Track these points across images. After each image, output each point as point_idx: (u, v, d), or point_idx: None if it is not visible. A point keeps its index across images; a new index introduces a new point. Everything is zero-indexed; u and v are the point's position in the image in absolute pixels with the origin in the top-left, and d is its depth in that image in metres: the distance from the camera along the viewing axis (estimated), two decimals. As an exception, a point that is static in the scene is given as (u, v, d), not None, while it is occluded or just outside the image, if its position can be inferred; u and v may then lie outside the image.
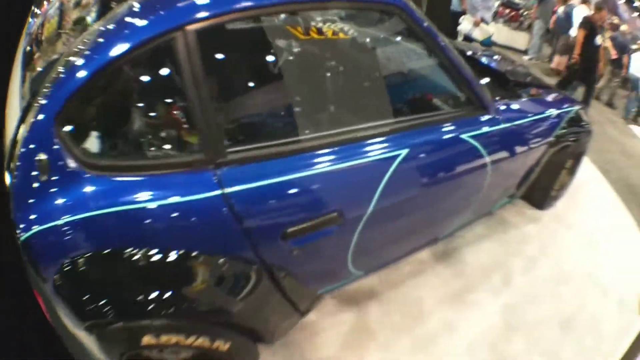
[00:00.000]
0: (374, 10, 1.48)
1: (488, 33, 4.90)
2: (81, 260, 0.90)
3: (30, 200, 0.90)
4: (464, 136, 1.50)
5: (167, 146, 1.06)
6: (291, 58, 1.54)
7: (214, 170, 1.02)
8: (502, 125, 1.66)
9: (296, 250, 1.17)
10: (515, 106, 1.86)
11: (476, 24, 4.75)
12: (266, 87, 1.38)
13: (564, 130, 2.13)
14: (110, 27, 1.04)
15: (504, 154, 1.73)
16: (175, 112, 1.08)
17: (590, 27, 4.24)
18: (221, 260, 1.04)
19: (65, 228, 0.89)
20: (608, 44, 5.63)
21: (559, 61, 6.15)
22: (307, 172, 1.14)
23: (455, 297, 1.91)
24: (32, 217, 0.89)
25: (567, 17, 5.84)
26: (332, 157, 1.19)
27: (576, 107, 2.27)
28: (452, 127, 1.49)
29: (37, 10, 1.67)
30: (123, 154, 1.03)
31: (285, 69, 1.48)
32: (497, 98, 1.77)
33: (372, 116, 1.34)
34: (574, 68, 4.42)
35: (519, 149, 1.82)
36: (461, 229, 2.01)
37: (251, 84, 1.37)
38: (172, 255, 0.96)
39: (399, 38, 1.80)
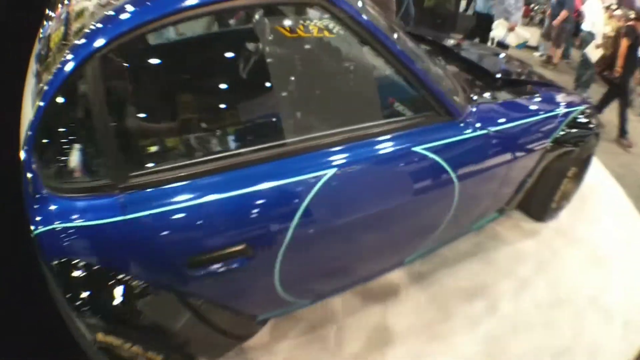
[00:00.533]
0: (297, 5, 1.31)
1: (524, 38, 4.50)
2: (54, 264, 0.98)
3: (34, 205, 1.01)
4: (417, 149, 1.29)
5: (80, 171, 1.05)
6: (197, 72, 1.42)
7: (118, 196, 0.99)
8: (477, 133, 1.44)
9: (208, 279, 1.08)
10: (499, 109, 1.64)
11: (511, 29, 4.35)
12: (172, 108, 1.27)
13: (563, 134, 1.88)
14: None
15: (479, 165, 1.51)
16: (89, 137, 1.04)
17: (635, 36, 3.81)
18: (136, 283, 1.03)
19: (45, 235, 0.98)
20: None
21: (553, 51, 5.94)
22: (210, 198, 1.03)
23: (427, 326, 1.70)
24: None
25: (559, 4, 5.59)
26: (238, 180, 1.06)
27: (581, 107, 2.02)
28: (404, 139, 1.28)
29: (51, 13, 1.59)
30: (58, 176, 1.05)
31: (190, 86, 1.38)
32: (475, 100, 1.56)
33: (300, 130, 1.19)
34: (615, 81, 4.04)
35: (501, 158, 1.59)
36: (437, 249, 1.81)
37: (156, 106, 1.28)
38: (94, 271, 1.00)
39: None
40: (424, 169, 1.32)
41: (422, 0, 4.76)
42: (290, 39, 1.30)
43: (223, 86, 1.44)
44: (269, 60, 1.27)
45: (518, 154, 1.67)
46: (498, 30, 4.41)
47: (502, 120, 1.58)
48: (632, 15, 4.05)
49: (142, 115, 1.16)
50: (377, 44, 1.21)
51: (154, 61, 1.37)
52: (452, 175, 1.38)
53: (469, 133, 1.41)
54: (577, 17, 5.69)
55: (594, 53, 4.45)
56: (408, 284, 1.90)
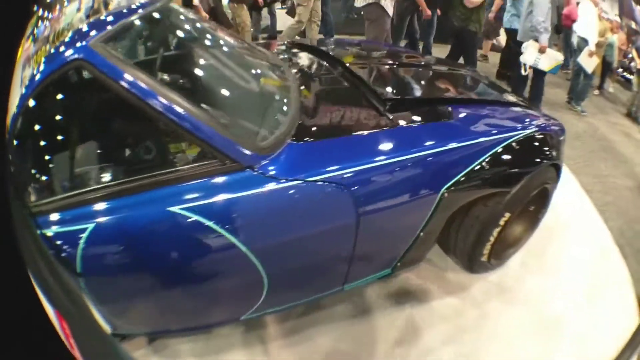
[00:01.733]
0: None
1: (557, 60, 3.68)
2: None
3: None
4: (174, 208, 1.03)
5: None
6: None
7: None
8: (281, 185, 1.10)
9: None
10: (336, 147, 1.26)
11: (542, 51, 3.59)
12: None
13: (476, 173, 1.41)
14: None
15: (289, 229, 1.16)
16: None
17: None
18: None
19: None
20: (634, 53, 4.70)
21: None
22: None
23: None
24: None
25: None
26: None
27: (526, 132, 1.59)
28: (160, 195, 1.06)
29: (46, 14, 1.44)
30: None
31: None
32: (294, 140, 1.21)
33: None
34: None
35: (340, 215, 1.20)
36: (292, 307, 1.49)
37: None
38: None
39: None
40: (186, 230, 1.07)
41: (448, 19, 4.32)
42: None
43: None
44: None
45: (369, 207, 1.22)
46: (528, 54, 3.65)
47: (335, 164, 1.18)
48: (634, 26, 3.63)
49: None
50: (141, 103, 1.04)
51: None
52: (234, 239, 1.08)
53: (268, 186, 1.10)
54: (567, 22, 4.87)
55: (588, 62, 3.88)
56: (279, 337, 1.52)
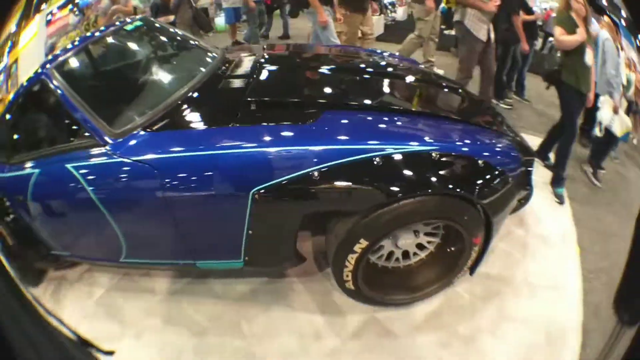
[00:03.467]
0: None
1: (627, 126, 2.97)
2: None
3: None
4: (68, 165, 1.46)
5: None
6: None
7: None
8: (119, 160, 1.41)
9: None
10: (171, 139, 1.43)
11: (615, 111, 2.99)
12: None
13: (306, 185, 1.32)
14: None
15: (128, 195, 1.44)
16: None
17: None
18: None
19: None
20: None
21: None
22: None
23: None
24: None
25: None
26: None
27: (420, 148, 1.40)
28: (63, 157, 1.49)
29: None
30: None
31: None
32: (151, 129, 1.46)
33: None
34: None
35: (158, 194, 1.37)
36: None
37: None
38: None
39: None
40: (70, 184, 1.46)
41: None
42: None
43: None
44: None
45: (175, 192, 1.36)
46: (605, 111, 2.99)
47: (157, 151, 1.38)
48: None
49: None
50: None
51: None
52: (94, 197, 1.43)
53: (114, 158, 1.41)
54: None
55: (618, 122, 2.78)
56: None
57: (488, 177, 1.43)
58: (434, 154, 1.37)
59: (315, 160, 1.31)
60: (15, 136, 1.66)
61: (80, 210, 1.52)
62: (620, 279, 1.33)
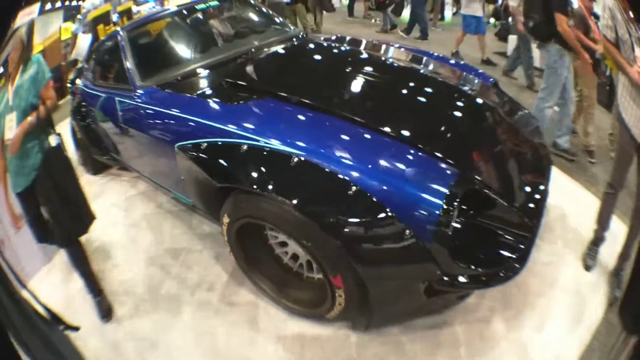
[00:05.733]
0: None
1: None
2: None
3: None
4: (117, 98, 2.07)
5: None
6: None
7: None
8: (135, 102, 1.95)
9: None
10: (167, 97, 1.87)
11: None
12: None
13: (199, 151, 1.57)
14: None
15: (141, 126, 1.93)
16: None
17: None
18: None
19: None
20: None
21: None
22: None
23: None
24: None
25: None
26: None
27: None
28: (116, 92, 2.12)
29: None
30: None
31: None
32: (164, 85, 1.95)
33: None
34: None
35: (153, 133, 1.86)
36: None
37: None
38: None
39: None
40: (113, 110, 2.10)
41: None
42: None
43: None
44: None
45: (153, 136, 1.85)
46: None
47: (154, 104, 1.87)
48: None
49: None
50: None
51: None
52: (122, 122, 2.05)
53: (134, 100, 1.96)
54: None
55: None
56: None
57: (368, 217, 1.20)
58: (311, 166, 1.30)
59: (210, 133, 1.53)
60: (99, 68, 2.35)
61: (116, 129, 2.11)
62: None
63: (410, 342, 1.43)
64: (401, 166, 1.29)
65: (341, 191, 1.23)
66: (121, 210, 2.26)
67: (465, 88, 1.87)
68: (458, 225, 1.22)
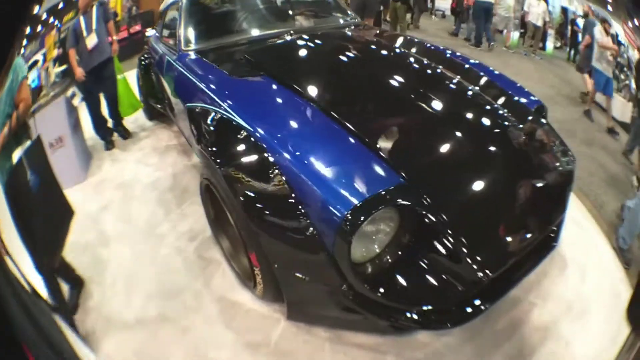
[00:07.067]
0: None
1: None
2: None
3: None
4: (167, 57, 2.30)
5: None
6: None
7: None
8: (178, 64, 2.13)
9: None
10: (198, 64, 2.04)
11: None
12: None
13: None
14: None
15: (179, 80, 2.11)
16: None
17: None
18: None
19: None
20: None
21: None
22: None
23: None
24: None
25: None
26: None
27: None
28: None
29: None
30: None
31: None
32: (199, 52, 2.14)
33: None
34: None
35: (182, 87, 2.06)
36: None
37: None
38: None
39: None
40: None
41: None
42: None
43: None
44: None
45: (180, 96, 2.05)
46: None
47: (186, 67, 2.05)
48: None
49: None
50: None
51: None
52: (170, 79, 2.24)
53: (174, 62, 2.18)
54: None
55: None
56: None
57: (280, 202, 1.19)
58: (251, 138, 1.35)
59: (201, 99, 1.76)
60: (163, 25, 2.56)
61: (165, 84, 2.31)
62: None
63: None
64: (338, 159, 1.23)
65: (263, 169, 1.26)
66: (157, 155, 2.57)
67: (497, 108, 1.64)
68: (378, 243, 1.11)
